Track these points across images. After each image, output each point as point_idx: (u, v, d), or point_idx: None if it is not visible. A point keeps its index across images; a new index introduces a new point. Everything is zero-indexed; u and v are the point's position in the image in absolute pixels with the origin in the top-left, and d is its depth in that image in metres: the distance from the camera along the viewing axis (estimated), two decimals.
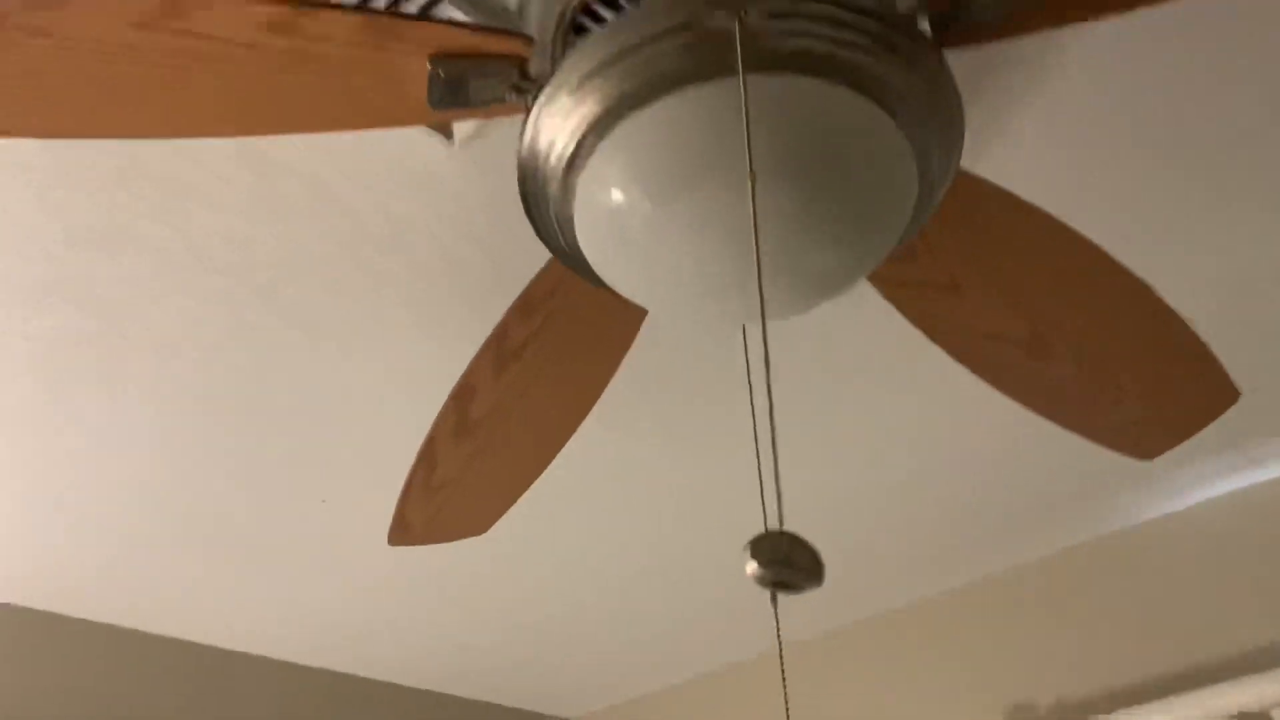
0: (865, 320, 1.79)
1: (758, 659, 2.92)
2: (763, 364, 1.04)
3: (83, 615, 2.59)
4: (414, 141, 1.44)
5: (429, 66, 0.92)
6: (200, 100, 0.94)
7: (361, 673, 3.00)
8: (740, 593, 2.58)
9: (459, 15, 1.25)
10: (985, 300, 1.28)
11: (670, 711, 3.08)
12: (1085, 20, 0.95)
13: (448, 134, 1.43)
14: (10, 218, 1.53)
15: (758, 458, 1.16)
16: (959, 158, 1.00)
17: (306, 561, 2.42)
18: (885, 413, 2.04)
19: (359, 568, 2.45)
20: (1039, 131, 1.49)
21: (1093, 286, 1.26)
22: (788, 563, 0.77)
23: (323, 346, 1.79)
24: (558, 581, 2.58)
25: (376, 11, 0.88)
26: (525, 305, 1.17)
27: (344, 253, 1.61)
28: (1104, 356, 1.33)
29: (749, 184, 0.73)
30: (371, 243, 1.60)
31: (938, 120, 0.94)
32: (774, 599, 0.79)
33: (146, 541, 2.30)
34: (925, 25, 0.91)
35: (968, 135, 1.50)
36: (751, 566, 0.77)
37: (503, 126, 1.42)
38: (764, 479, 1.28)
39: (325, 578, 2.50)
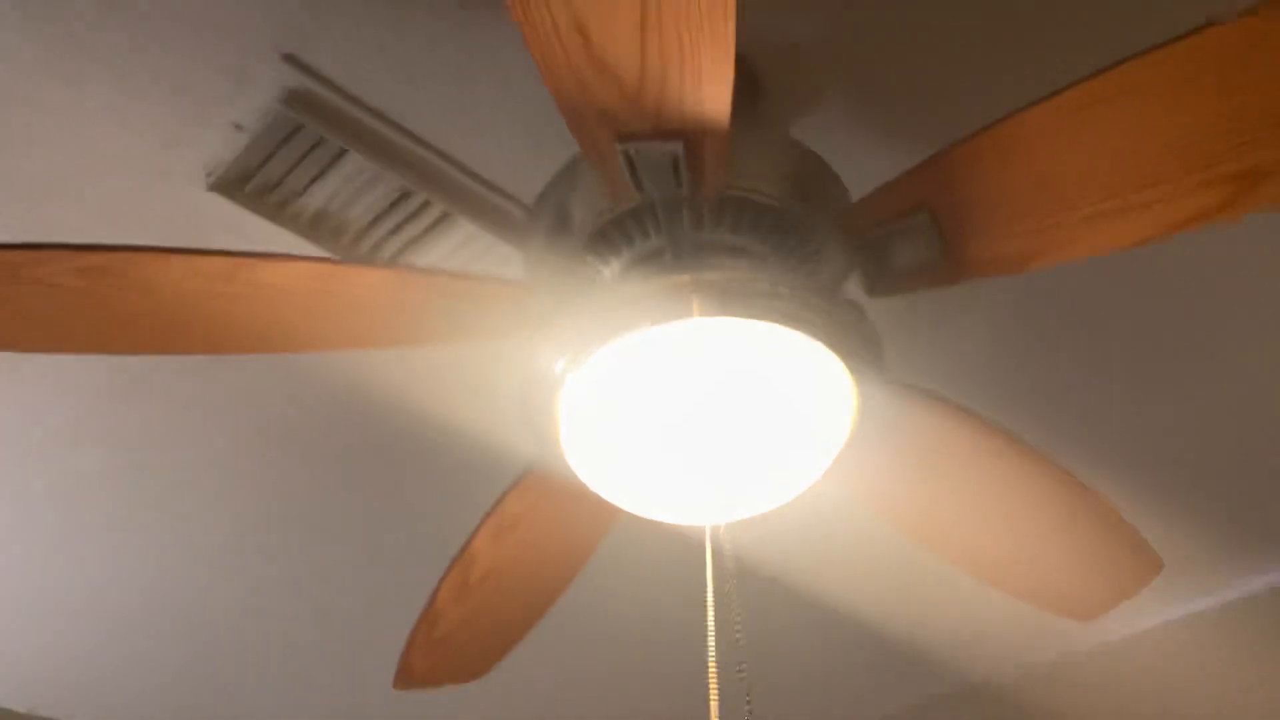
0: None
1: None
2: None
3: None
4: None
5: (440, 304, 1.14)
6: (259, 328, 1.16)
7: None
8: None
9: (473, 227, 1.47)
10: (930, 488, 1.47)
11: None
12: (984, 276, 1.16)
13: None
14: (56, 365, 1.75)
15: None
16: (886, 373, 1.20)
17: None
18: None
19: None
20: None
21: (1016, 474, 1.44)
22: None
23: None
24: None
25: (399, 268, 1.10)
26: (521, 488, 1.36)
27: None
28: (1030, 535, 1.50)
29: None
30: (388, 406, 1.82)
31: (860, 348, 1.15)
32: None
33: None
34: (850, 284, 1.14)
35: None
36: None
37: None
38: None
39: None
